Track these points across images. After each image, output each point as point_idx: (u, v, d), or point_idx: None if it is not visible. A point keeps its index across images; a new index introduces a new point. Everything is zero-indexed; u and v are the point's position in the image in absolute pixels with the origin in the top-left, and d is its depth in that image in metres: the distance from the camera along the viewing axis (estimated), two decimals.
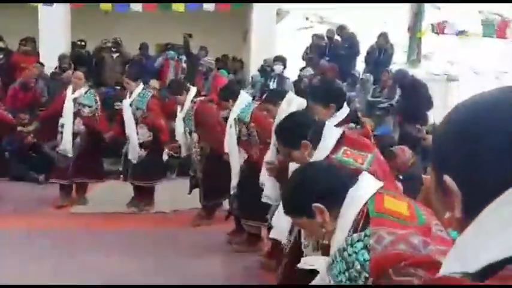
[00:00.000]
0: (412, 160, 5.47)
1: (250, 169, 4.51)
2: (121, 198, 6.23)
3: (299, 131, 2.51)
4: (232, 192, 4.85)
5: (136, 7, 8.14)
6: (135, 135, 5.84)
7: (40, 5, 9.21)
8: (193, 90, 5.55)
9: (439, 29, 9.79)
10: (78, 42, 9.81)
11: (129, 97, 5.87)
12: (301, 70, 9.20)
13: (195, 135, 5.40)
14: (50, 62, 9.05)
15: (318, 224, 1.73)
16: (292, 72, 9.40)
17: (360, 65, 9.74)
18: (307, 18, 21.69)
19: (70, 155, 6.04)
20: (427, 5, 12.03)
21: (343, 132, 2.59)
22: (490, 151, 0.74)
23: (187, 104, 5.39)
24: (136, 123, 5.83)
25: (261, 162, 4.12)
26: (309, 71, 8.82)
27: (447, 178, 0.79)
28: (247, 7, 10.12)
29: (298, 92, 8.09)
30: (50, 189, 6.42)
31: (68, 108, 6.00)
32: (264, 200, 3.92)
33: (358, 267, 1.54)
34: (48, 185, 6.54)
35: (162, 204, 6.22)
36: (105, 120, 6.33)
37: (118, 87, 8.35)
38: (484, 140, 0.75)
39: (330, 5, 19.71)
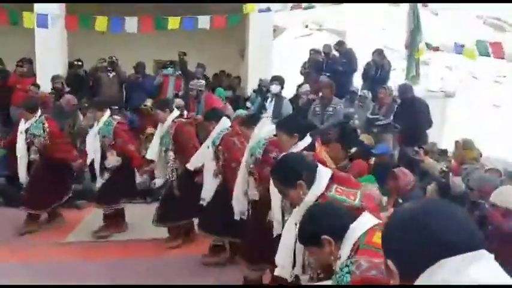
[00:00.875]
0: (413, 183, 5.42)
1: (224, 190, 4.89)
2: None
3: (295, 172, 2.71)
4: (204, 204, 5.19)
5: (132, 28, 8.09)
6: (98, 162, 5.94)
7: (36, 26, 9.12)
8: (176, 112, 5.76)
9: (434, 49, 9.76)
10: (75, 63, 9.76)
11: (97, 125, 5.99)
12: (299, 86, 9.15)
13: (170, 153, 5.57)
14: (46, 83, 8.99)
15: (327, 253, 2.18)
16: (291, 85, 9.33)
17: (357, 80, 9.65)
18: (306, 26, 21.67)
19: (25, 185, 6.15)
20: (423, 12, 11.97)
21: (333, 172, 2.82)
22: (417, 246, 1.11)
23: (168, 123, 5.59)
24: (103, 150, 5.90)
25: (231, 183, 4.60)
26: (307, 87, 8.77)
27: (389, 261, 1.17)
28: (244, 24, 10.06)
29: (297, 109, 8.10)
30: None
31: (21, 139, 6.05)
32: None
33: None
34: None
35: (150, 230, 6.02)
36: (69, 145, 6.31)
37: (116, 108, 8.28)
38: (413, 239, 1.12)
39: (329, 12, 19.70)
